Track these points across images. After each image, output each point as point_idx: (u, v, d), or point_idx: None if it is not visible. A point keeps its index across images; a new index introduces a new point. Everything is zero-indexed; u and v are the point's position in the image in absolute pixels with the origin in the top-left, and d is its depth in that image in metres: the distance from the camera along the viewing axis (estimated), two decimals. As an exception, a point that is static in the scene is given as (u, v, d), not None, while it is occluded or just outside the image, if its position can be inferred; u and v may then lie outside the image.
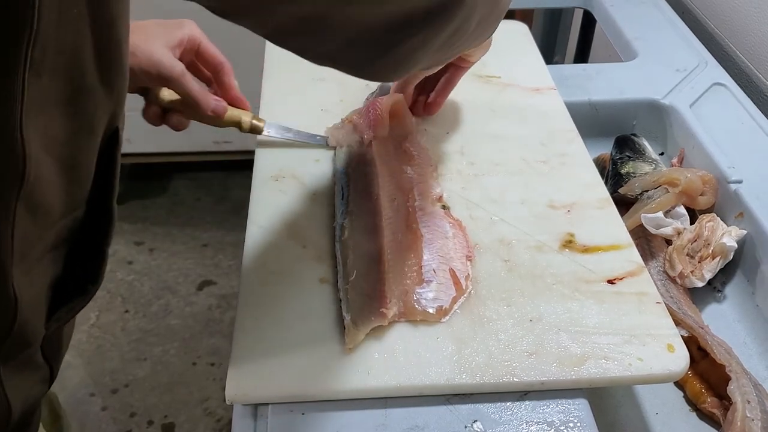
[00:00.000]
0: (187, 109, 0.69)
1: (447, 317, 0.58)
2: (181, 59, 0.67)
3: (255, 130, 0.74)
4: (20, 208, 0.36)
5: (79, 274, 0.46)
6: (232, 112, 0.71)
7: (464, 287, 0.60)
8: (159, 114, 0.70)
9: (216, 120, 0.70)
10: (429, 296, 0.59)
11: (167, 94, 0.69)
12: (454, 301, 0.59)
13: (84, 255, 0.46)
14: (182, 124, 0.71)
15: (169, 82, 0.65)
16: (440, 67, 0.75)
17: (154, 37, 0.64)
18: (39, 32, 0.32)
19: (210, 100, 0.68)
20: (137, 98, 0.68)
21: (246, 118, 0.73)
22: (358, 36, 0.41)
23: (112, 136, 0.44)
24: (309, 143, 0.76)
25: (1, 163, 0.34)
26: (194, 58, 0.70)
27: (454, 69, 0.76)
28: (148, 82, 0.66)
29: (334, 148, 0.76)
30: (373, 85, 0.83)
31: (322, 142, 0.76)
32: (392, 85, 0.78)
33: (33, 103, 0.34)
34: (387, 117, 0.74)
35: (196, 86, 0.67)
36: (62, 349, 0.50)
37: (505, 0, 0.51)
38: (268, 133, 0.75)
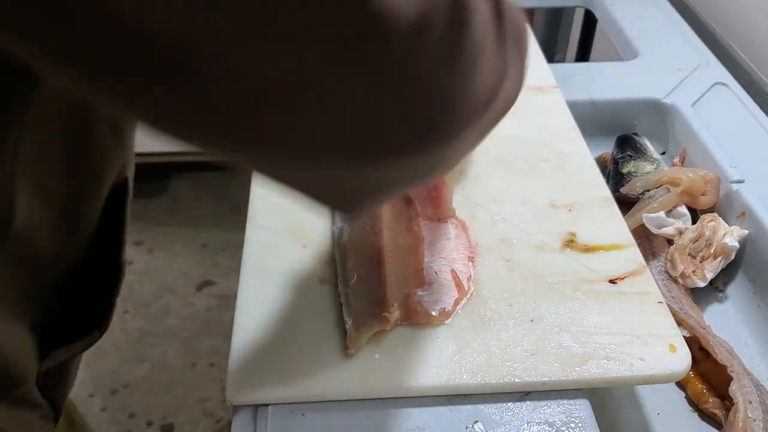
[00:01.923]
0: None
1: (449, 319, 0.58)
2: None
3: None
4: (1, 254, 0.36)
5: (81, 319, 0.45)
6: None
7: (466, 288, 0.60)
8: None
9: None
10: (431, 299, 0.58)
11: None
12: (457, 302, 0.59)
13: (88, 302, 0.45)
14: None
15: None
16: None
17: None
18: (36, 93, 0.31)
19: None
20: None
21: None
22: (334, 191, 0.37)
23: (121, 185, 0.44)
24: None
25: None
26: None
27: None
28: None
29: None
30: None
31: None
32: None
33: (29, 154, 0.33)
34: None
35: None
36: (68, 384, 0.49)
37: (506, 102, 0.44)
38: None
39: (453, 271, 0.61)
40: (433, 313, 0.57)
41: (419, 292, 0.59)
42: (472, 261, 0.63)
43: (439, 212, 0.66)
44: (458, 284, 0.60)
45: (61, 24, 0.22)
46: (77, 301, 0.45)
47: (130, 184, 0.45)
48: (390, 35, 0.26)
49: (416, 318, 0.57)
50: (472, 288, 0.60)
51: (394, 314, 0.56)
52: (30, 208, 0.35)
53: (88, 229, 0.43)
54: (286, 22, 0.24)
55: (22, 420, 0.44)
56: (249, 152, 0.30)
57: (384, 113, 0.29)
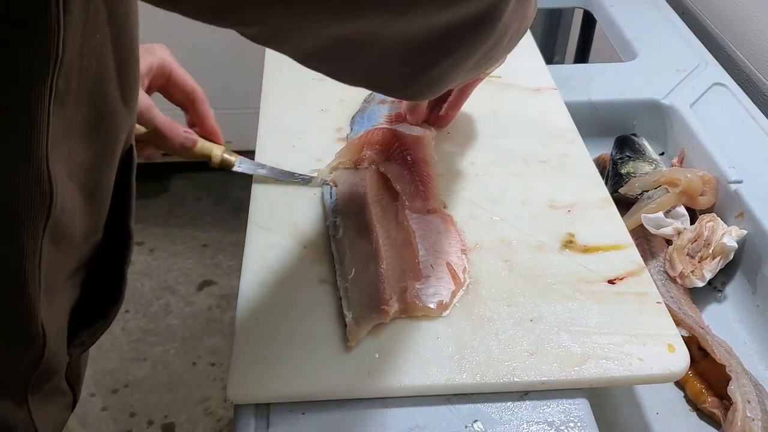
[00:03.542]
0: (157, 141, 0.66)
1: (447, 311, 0.58)
2: (150, 86, 0.65)
3: (226, 165, 0.71)
4: (46, 240, 0.35)
5: (99, 297, 0.45)
6: (203, 145, 0.69)
7: (462, 280, 0.60)
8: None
9: (186, 152, 0.68)
10: (428, 291, 0.59)
11: (137, 126, 0.65)
12: (454, 294, 0.59)
13: (103, 277, 0.45)
14: (153, 156, 0.68)
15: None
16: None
17: None
18: (63, 62, 0.31)
19: (179, 132, 0.66)
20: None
21: (217, 151, 0.70)
22: (395, 55, 0.40)
23: (128, 154, 0.44)
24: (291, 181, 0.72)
25: (30, 198, 0.33)
26: (166, 85, 0.67)
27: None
28: None
29: (320, 185, 0.71)
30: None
31: (302, 181, 0.71)
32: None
33: (58, 133, 0.33)
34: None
35: (163, 119, 0.64)
36: (82, 373, 0.49)
37: (531, 12, 0.50)
38: (240, 168, 0.71)
39: (448, 264, 0.61)
40: (431, 306, 0.58)
41: (416, 285, 0.59)
42: (466, 254, 0.63)
43: (428, 204, 0.67)
44: (454, 276, 0.60)
45: None
46: (97, 277, 0.45)
47: (134, 150, 0.45)
48: None
49: (414, 311, 0.58)
50: (468, 279, 0.61)
51: (393, 307, 0.57)
52: (64, 189, 0.35)
53: (106, 204, 0.43)
54: None
55: (52, 410, 0.45)
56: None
57: None
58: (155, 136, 0.65)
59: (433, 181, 0.70)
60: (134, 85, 0.40)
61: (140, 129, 0.65)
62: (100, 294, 0.45)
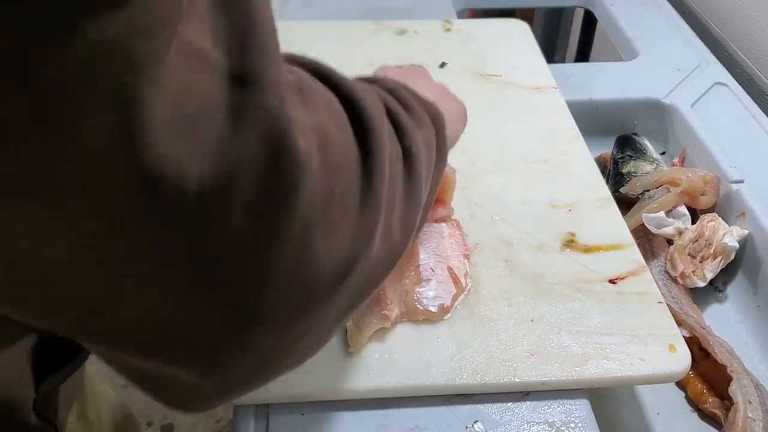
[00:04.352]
0: None
1: (449, 315, 0.58)
2: None
3: None
4: None
5: (66, 343, 0.43)
6: None
7: (464, 285, 0.60)
8: None
9: None
10: (429, 295, 0.59)
11: None
12: (455, 298, 0.59)
13: None
14: None
15: None
16: None
17: None
18: None
19: None
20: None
21: None
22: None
23: None
24: None
25: None
26: None
27: None
28: None
29: None
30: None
31: None
32: None
33: None
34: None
35: None
36: (68, 399, 0.48)
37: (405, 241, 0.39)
38: None
39: (449, 268, 0.61)
40: (432, 309, 0.57)
41: (417, 289, 0.59)
42: (468, 258, 0.63)
43: (436, 214, 0.66)
44: (455, 280, 0.60)
45: None
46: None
47: None
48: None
49: (416, 315, 0.57)
50: (469, 284, 0.60)
51: (394, 311, 0.56)
52: None
53: None
54: None
55: None
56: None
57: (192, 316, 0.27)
58: None
59: (447, 190, 0.66)
60: None
61: None
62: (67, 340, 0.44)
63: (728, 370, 0.61)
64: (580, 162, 0.75)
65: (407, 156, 0.37)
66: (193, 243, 0.25)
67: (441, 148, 0.44)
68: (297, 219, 0.27)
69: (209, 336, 0.28)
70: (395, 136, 0.37)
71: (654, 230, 0.74)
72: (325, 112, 0.31)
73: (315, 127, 0.29)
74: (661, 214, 0.75)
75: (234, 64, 0.25)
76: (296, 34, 0.93)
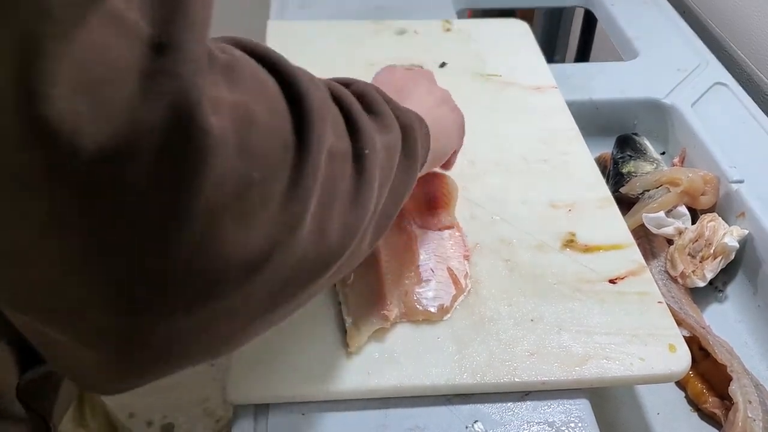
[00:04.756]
0: None
1: (448, 315, 0.58)
2: None
3: None
4: None
5: None
6: None
7: (464, 285, 0.60)
8: None
9: None
10: (429, 295, 0.59)
11: None
12: (455, 299, 0.59)
13: None
14: None
15: None
16: None
17: None
18: None
19: None
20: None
21: None
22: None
23: None
24: None
25: None
26: None
27: None
28: None
29: None
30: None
31: None
32: None
33: None
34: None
35: None
36: (61, 394, 0.46)
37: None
38: None
39: (449, 269, 0.61)
40: (432, 310, 0.57)
41: (417, 290, 0.59)
42: (468, 259, 0.63)
43: (440, 222, 0.65)
44: (455, 281, 0.60)
45: None
46: None
47: None
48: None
49: (415, 315, 0.57)
50: (469, 285, 0.60)
51: (393, 312, 0.56)
52: None
53: None
54: None
55: None
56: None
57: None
58: None
59: (447, 199, 0.66)
60: None
61: None
62: None
63: (728, 369, 0.61)
64: (580, 162, 0.75)
65: (359, 157, 0.36)
66: (86, 204, 0.24)
67: (410, 155, 0.43)
68: (202, 198, 0.26)
69: (101, 311, 0.27)
70: (347, 135, 0.36)
71: (654, 230, 0.74)
72: (255, 93, 0.30)
73: (236, 107, 0.28)
74: (661, 214, 0.75)
75: (155, 33, 0.24)
76: (296, 34, 0.93)
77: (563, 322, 0.58)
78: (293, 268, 0.32)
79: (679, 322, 0.63)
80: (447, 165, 0.64)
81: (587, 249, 0.64)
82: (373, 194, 0.37)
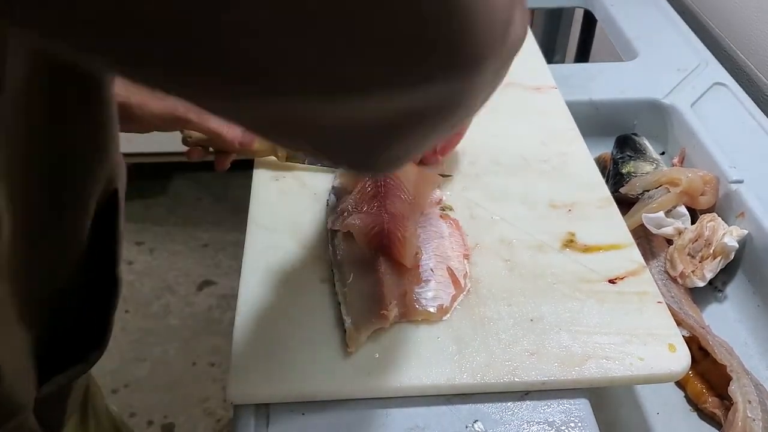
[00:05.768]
0: (216, 143, 0.68)
1: (448, 316, 0.58)
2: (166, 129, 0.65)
3: (293, 157, 0.71)
4: None
5: (79, 340, 0.44)
6: (263, 141, 0.69)
7: (463, 285, 0.60)
8: (200, 152, 0.69)
9: (247, 149, 0.70)
10: (428, 295, 0.59)
11: (195, 133, 0.68)
12: (454, 299, 0.59)
13: (86, 321, 0.44)
14: (223, 163, 0.69)
15: (187, 123, 0.65)
16: None
17: None
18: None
19: (236, 130, 0.66)
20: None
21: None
22: (341, 137, 0.31)
23: (110, 197, 0.42)
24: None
25: None
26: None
27: None
28: (167, 126, 0.65)
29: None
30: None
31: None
32: None
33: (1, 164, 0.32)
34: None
35: (217, 121, 0.65)
36: (66, 412, 0.47)
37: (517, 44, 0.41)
38: (308, 161, 0.72)
39: (449, 268, 0.61)
40: (431, 310, 0.58)
41: (416, 290, 0.59)
42: (468, 258, 0.63)
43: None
44: (455, 281, 0.60)
45: None
46: (75, 321, 0.44)
47: (121, 194, 0.44)
48: None
49: (415, 315, 0.57)
50: (469, 285, 0.60)
51: (393, 312, 0.57)
52: (9, 219, 0.34)
53: (78, 244, 0.41)
54: None
55: None
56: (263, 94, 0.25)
57: (404, 32, 0.24)
58: (213, 138, 0.68)
59: (409, 240, 0.62)
60: (108, 134, 0.39)
61: (198, 134, 0.68)
62: (79, 338, 0.44)
63: (728, 369, 0.61)
64: (580, 162, 0.75)
65: None
66: None
67: None
68: None
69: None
70: None
71: (654, 230, 0.74)
72: None
73: None
74: (661, 214, 0.75)
75: None
76: None
77: (563, 321, 0.58)
78: (516, 33, 0.34)
79: (679, 322, 0.64)
80: (458, 135, 0.68)
81: (587, 249, 0.64)
82: None
